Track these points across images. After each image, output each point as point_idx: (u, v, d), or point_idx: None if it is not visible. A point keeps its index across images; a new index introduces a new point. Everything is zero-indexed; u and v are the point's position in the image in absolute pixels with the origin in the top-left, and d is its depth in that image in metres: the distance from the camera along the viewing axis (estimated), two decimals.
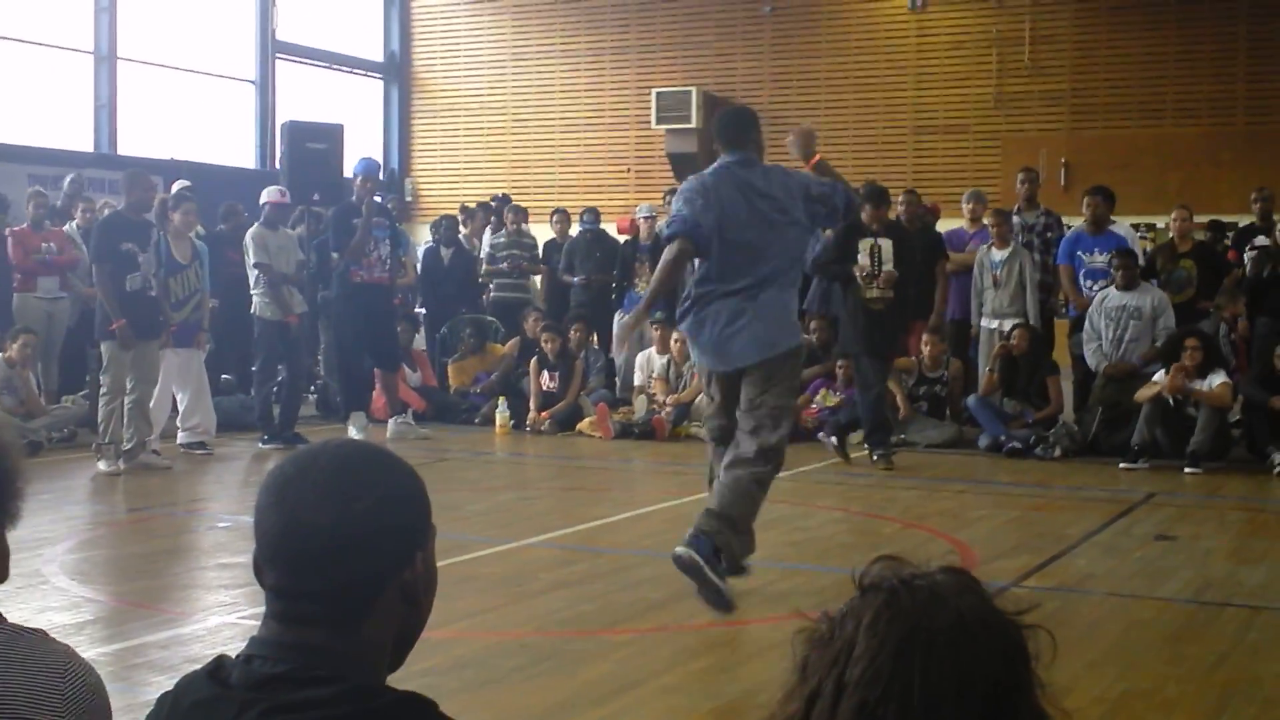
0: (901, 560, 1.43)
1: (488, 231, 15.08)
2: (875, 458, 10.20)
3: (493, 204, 15.58)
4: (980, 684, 1.33)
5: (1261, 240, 12.00)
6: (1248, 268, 11.82)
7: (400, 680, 1.62)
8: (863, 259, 10.23)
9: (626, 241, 13.75)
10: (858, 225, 9.99)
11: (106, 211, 11.42)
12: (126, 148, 15.81)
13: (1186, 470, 9.95)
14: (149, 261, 9.80)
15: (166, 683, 1.64)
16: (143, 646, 5.26)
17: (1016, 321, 11.34)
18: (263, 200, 11.49)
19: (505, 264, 14.41)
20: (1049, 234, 11.91)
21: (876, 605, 1.37)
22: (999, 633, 1.37)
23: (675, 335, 12.23)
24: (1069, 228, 11.94)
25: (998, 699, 1.33)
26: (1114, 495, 9.09)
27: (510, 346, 13.53)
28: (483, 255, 14.74)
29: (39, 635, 1.91)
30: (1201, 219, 13.35)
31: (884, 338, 10.29)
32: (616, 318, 13.17)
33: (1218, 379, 10.14)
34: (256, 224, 11.42)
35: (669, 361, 12.32)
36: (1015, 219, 12.07)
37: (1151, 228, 14.75)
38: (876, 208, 10.34)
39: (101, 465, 9.63)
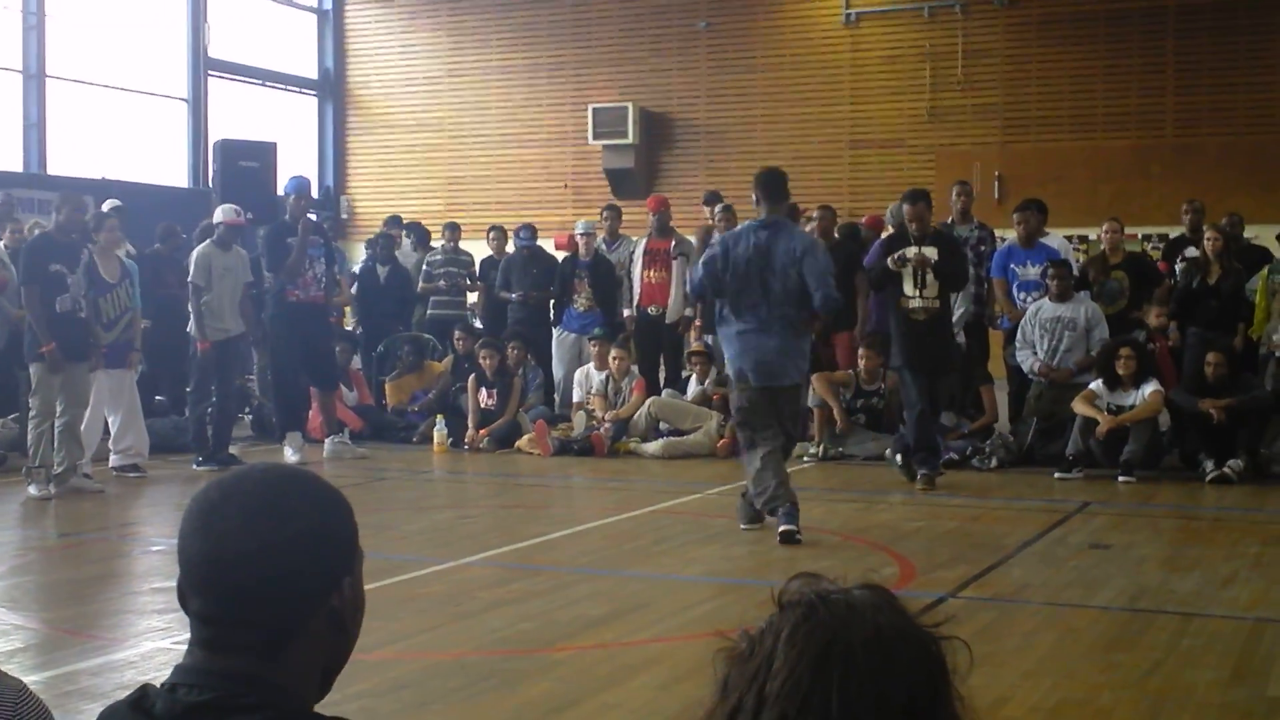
0: (819, 576, 1.44)
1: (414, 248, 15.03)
2: (918, 477, 9.80)
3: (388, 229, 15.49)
4: (898, 696, 1.34)
5: (1191, 252, 12.18)
6: (1178, 278, 11.98)
7: (337, 703, 1.61)
8: (908, 253, 9.62)
9: (565, 258, 13.74)
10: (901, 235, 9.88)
11: (36, 232, 11.26)
12: (57, 167, 15.63)
13: (1120, 479, 10.07)
14: (78, 283, 9.68)
15: (99, 710, 1.62)
16: (74, 674, 5.17)
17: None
18: (217, 219, 11.34)
19: (442, 281, 14.36)
20: (983, 247, 12.03)
21: (794, 620, 1.38)
22: (916, 645, 1.39)
23: (614, 353, 12.24)
24: (1002, 240, 12.07)
25: (916, 711, 1.35)
26: (1050, 505, 9.18)
27: (447, 364, 13.48)
28: (420, 272, 14.68)
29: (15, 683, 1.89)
30: (1133, 230, 13.54)
31: (927, 352, 9.64)
32: (554, 334, 13.18)
33: (1150, 388, 10.28)
34: (208, 242, 11.25)
35: (608, 378, 12.32)
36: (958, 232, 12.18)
37: (1084, 239, 14.94)
38: (916, 209, 9.69)
39: (32, 490, 9.48)
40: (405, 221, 15.93)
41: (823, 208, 12.63)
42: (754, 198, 8.00)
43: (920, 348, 9.61)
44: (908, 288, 9.60)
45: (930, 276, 9.53)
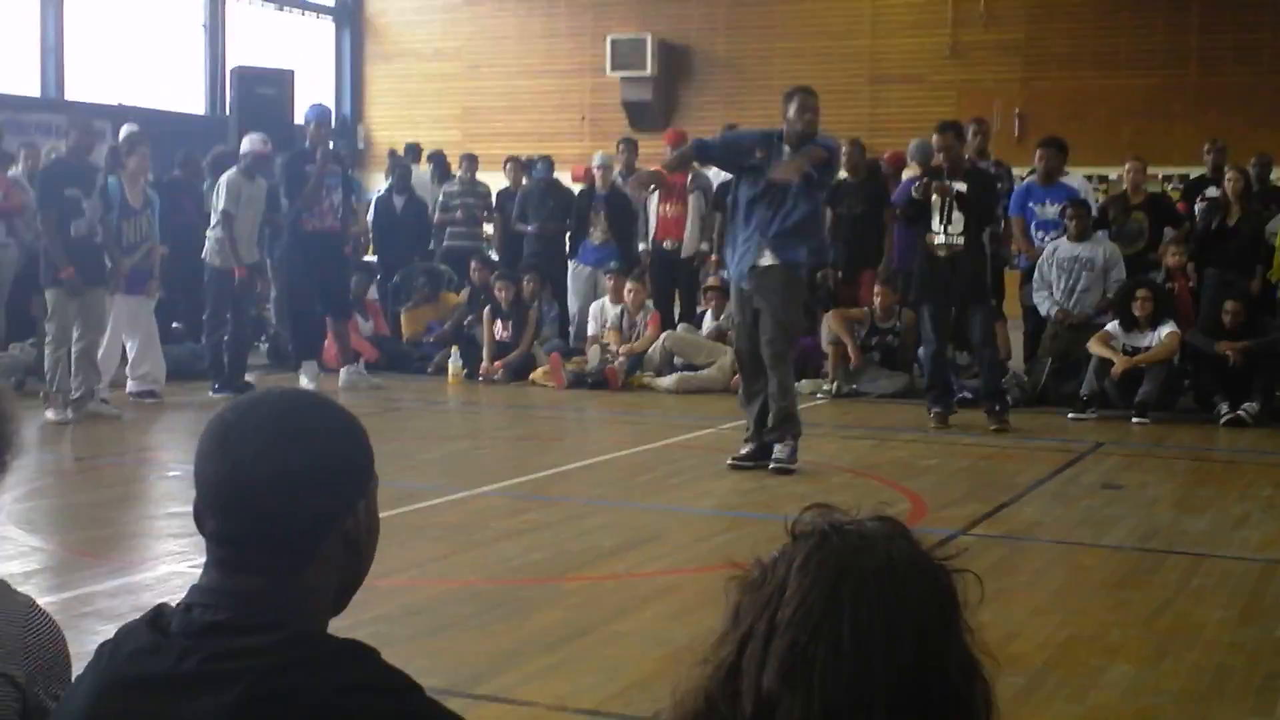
0: (832, 508, 1.45)
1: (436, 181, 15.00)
2: (930, 414, 9.81)
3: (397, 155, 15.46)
4: (909, 625, 1.35)
5: (1212, 192, 12.09)
6: (1197, 219, 11.90)
7: (350, 628, 1.62)
8: (930, 182, 9.52)
9: (581, 191, 13.69)
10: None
11: (51, 156, 11.27)
12: (74, 93, 15.58)
13: (1134, 420, 10.06)
14: (94, 207, 9.67)
15: (114, 631, 1.64)
16: (91, 595, 5.24)
17: None
18: (245, 149, 11.31)
19: (459, 212, 14.32)
20: (999, 185, 11.94)
21: (807, 549, 1.40)
22: (927, 576, 1.40)
23: (629, 286, 12.22)
24: (1020, 179, 11.99)
25: (926, 640, 1.36)
26: (1063, 445, 9.18)
27: (463, 295, 13.48)
28: (436, 203, 14.66)
29: (2, 587, 1.91)
30: (1154, 170, 13.43)
31: (947, 288, 9.49)
32: (570, 267, 13.16)
33: (1166, 329, 10.25)
34: (234, 170, 11.22)
35: (623, 311, 12.30)
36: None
37: (1105, 179, 14.83)
38: (944, 139, 9.53)
39: (49, 414, 9.54)
40: (426, 152, 15.88)
41: (852, 142, 12.54)
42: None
43: (939, 284, 9.54)
44: (934, 223, 9.49)
45: (956, 212, 9.37)
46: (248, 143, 11.32)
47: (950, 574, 1.41)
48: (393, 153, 15.85)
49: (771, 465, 7.84)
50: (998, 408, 9.65)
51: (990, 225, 10.06)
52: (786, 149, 7.78)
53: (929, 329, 9.73)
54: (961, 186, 9.40)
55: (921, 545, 1.42)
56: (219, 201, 11.02)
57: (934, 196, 9.40)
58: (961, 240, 9.43)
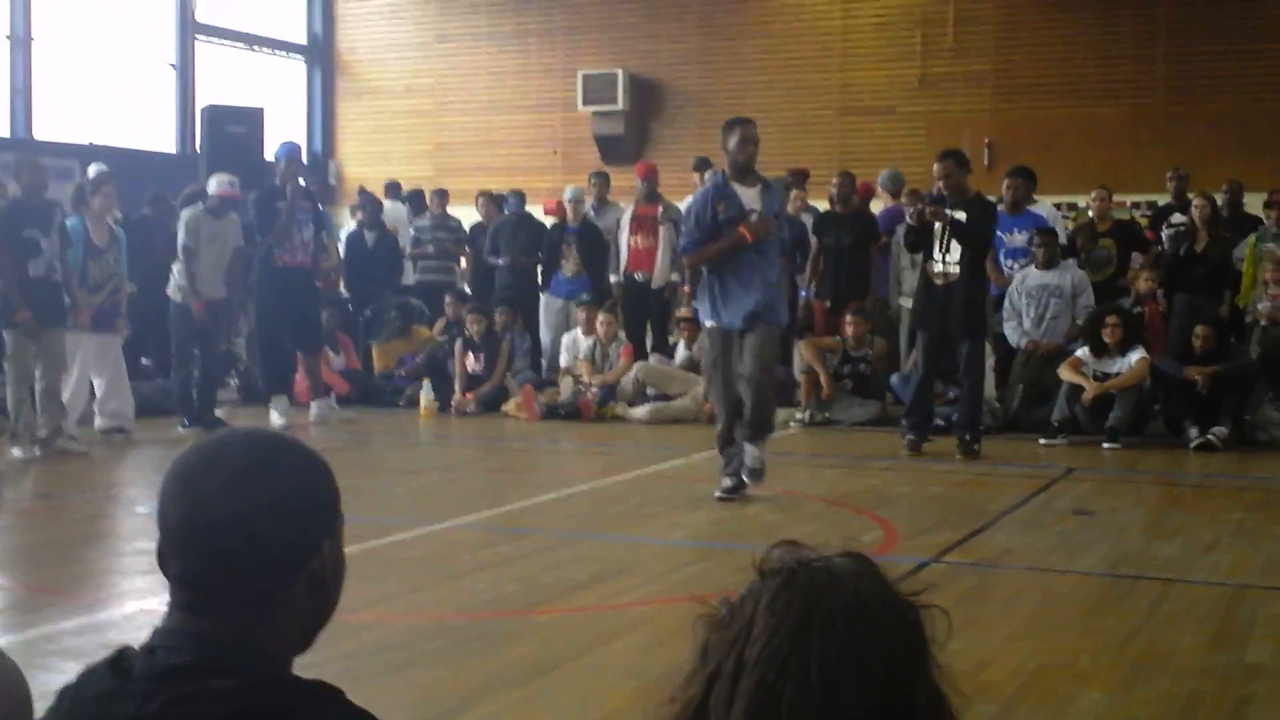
0: (800, 544, 1.44)
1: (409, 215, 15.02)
2: (904, 440, 9.80)
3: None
4: (877, 662, 1.35)
5: (1178, 219, 12.18)
6: (1165, 246, 11.99)
7: (320, 663, 1.61)
8: (926, 209, 9.47)
9: (553, 224, 13.71)
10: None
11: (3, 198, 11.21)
12: (43, 132, 15.53)
13: (1105, 445, 10.10)
14: (51, 246, 9.63)
15: (77, 673, 1.62)
16: (57, 634, 5.19)
17: None
18: (211, 189, 11.31)
19: (430, 246, 14.32)
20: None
21: (775, 586, 1.39)
22: (895, 613, 1.39)
23: (601, 318, 12.23)
24: None
25: (894, 677, 1.35)
26: (1034, 471, 9.20)
27: (436, 329, 13.47)
28: (409, 238, 14.66)
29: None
30: (1123, 198, 13.53)
31: (939, 317, 9.47)
32: (542, 300, 13.16)
33: (1136, 355, 10.31)
34: (199, 206, 11.21)
35: (595, 343, 12.31)
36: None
37: (1074, 207, 14.92)
38: (943, 166, 9.48)
39: (16, 451, 9.47)
40: (402, 190, 15.90)
41: (841, 174, 12.61)
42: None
43: (932, 312, 9.53)
44: (934, 251, 9.47)
45: (954, 241, 9.32)
46: (214, 184, 11.31)
47: (918, 610, 1.41)
48: (361, 190, 15.86)
49: (748, 468, 7.88)
50: (968, 437, 9.66)
51: (982, 251, 9.85)
52: (735, 187, 7.78)
53: (920, 355, 9.75)
54: (961, 215, 9.35)
55: (889, 581, 1.42)
56: (179, 237, 11.01)
57: (934, 224, 9.36)
58: (958, 269, 9.37)
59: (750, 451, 7.85)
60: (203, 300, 11.02)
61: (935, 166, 9.59)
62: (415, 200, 15.49)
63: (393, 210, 15.27)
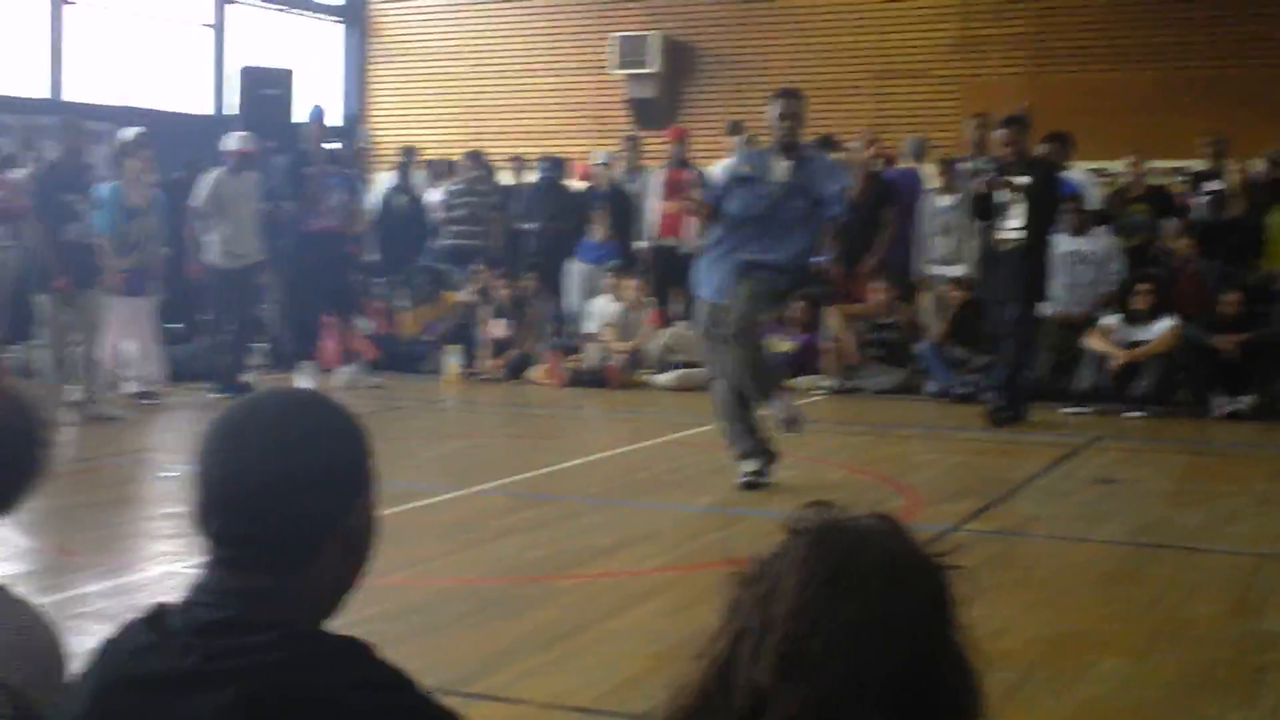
0: (830, 505, 1.47)
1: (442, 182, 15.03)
2: (990, 408, 9.70)
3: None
4: (903, 621, 1.37)
5: (1214, 185, 12.09)
6: (1201, 211, 11.90)
7: (347, 626, 1.65)
8: (998, 196, 9.46)
9: (583, 189, 13.70)
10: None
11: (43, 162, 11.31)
12: (78, 94, 15.60)
13: (1131, 414, 10.07)
14: (87, 210, 9.69)
15: (111, 631, 1.67)
16: (87, 596, 5.27)
17: (963, 268, 11.46)
18: (231, 147, 11.31)
19: (462, 210, 14.33)
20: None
21: (804, 545, 1.41)
22: (922, 574, 1.42)
23: (629, 284, 12.24)
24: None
25: (920, 636, 1.38)
26: (1059, 439, 9.18)
27: (464, 294, 13.51)
28: (438, 201, 14.67)
29: (1, 591, 1.94)
30: (1163, 164, 13.42)
31: (1002, 282, 9.45)
32: (570, 265, 13.17)
33: (1166, 323, 10.26)
34: (221, 169, 11.24)
35: (623, 309, 12.32)
36: (968, 164, 12.13)
37: (1106, 172, 14.80)
38: (1009, 132, 9.44)
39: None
40: (425, 157, 15.92)
41: (863, 133, 12.59)
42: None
43: (995, 277, 9.51)
44: (999, 218, 9.42)
45: (1018, 206, 9.27)
46: (233, 142, 11.32)
47: (944, 571, 1.43)
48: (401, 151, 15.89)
49: (778, 419, 7.39)
50: (998, 402, 9.61)
51: (1049, 217, 9.79)
52: (770, 158, 7.35)
53: (992, 325, 9.69)
54: (1025, 180, 9.29)
55: (917, 543, 1.44)
56: (192, 199, 11.02)
57: (1003, 186, 9.29)
58: (1022, 234, 9.32)
59: (775, 411, 7.41)
60: (236, 264, 11.03)
61: (998, 132, 9.55)
62: (435, 168, 15.48)
63: (418, 175, 15.29)
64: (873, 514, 1.46)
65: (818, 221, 7.33)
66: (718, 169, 7.79)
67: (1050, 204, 9.66)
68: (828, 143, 13.24)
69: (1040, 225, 9.45)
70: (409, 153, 15.81)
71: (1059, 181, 10.07)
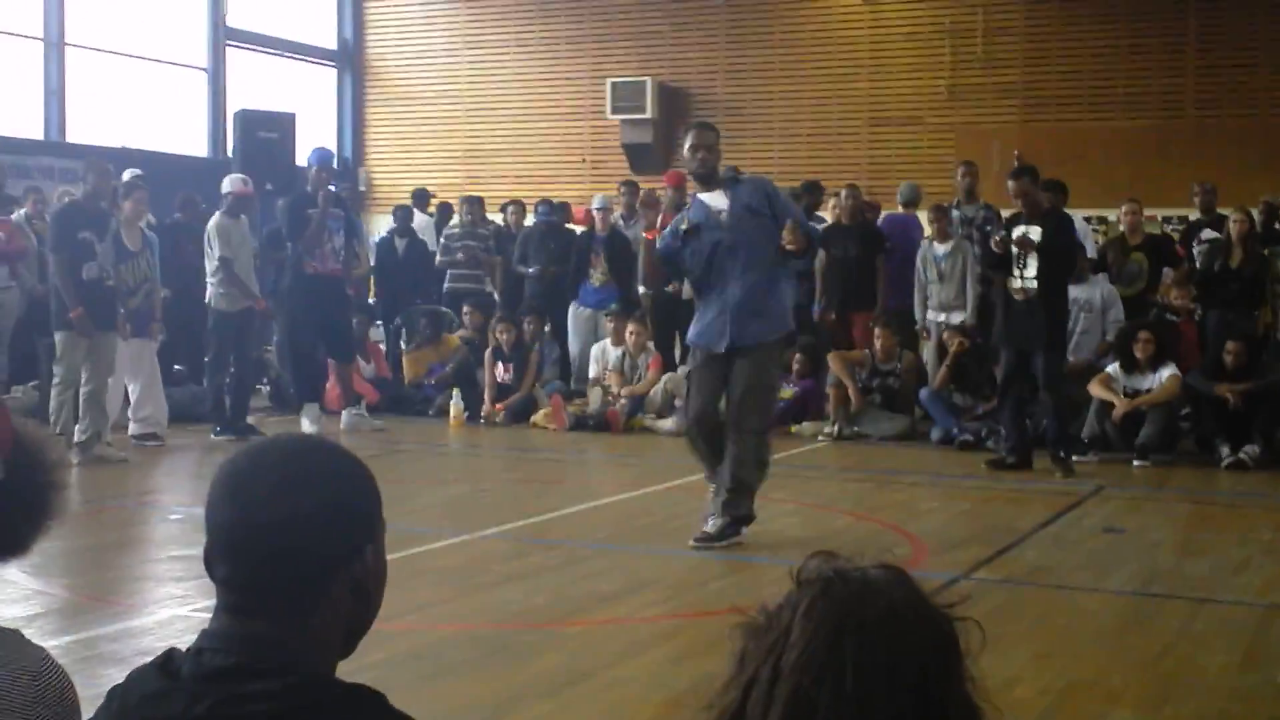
0: (836, 555, 1.47)
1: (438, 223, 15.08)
2: (996, 452, 9.78)
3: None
4: (911, 672, 1.37)
5: (1209, 234, 12.13)
6: (1198, 261, 11.94)
7: (352, 672, 1.64)
8: (1005, 235, 9.45)
9: (582, 233, 13.74)
10: None
11: (65, 200, 11.33)
12: (76, 135, 15.65)
13: (1135, 463, 10.07)
14: (106, 252, 9.71)
15: (118, 675, 1.66)
16: (94, 639, 5.24)
17: (962, 315, 11.51)
18: (225, 189, 11.37)
19: (460, 254, 14.36)
20: (988, 227, 12.04)
21: (811, 595, 1.42)
22: (930, 623, 1.42)
23: (630, 328, 12.24)
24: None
25: (928, 686, 1.37)
26: (1064, 488, 9.17)
27: (461, 337, 13.51)
28: (438, 245, 14.70)
29: (15, 636, 1.92)
30: (1152, 212, 13.49)
31: (1020, 331, 9.45)
32: (571, 309, 13.19)
33: (1167, 371, 10.27)
34: (219, 214, 11.27)
35: (624, 354, 12.32)
36: (955, 213, 12.22)
37: (1103, 220, 14.88)
38: (1019, 185, 9.46)
39: None
40: (428, 200, 15.97)
41: (850, 186, 12.67)
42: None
43: (1012, 326, 9.50)
44: (1012, 268, 9.43)
45: (1031, 256, 9.30)
46: (228, 184, 11.36)
47: (952, 621, 1.43)
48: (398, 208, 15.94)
49: (696, 540, 7.00)
50: (1062, 453, 9.59)
51: (1068, 269, 9.85)
52: (701, 197, 7.19)
53: (1006, 373, 9.68)
54: (1036, 231, 9.34)
55: (924, 592, 1.44)
56: (214, 248, 11.04)
57: (1014, 240, 9.34)
58: (1036, 284, 9.36)
59: (713, 521, 7.03)
60: (239, 306, 11.06)
61: (1010, 184, 9.58)
62: (444, 210, 15.55)
63: (420, 220, 15.32)
64: (880, 563, 1.46)
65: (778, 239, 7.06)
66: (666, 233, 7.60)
67: (1066, 253, 9.70)
68: (812, 188, 13.30)
69: (1057, 275, 9.49)
70: (422, 195, 15.83)
71: (1073, 231, 10.11)
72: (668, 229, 7.44)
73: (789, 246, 6.91)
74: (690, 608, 5.94)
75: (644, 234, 7.90)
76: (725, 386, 7.11)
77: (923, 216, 12.89)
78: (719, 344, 7.03)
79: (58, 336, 9.68)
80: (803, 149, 16.78)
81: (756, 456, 7.05)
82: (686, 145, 7.23)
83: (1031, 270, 9.36)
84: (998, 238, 9.52)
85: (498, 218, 14.75)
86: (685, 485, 9.21)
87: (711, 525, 7.02)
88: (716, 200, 7.11)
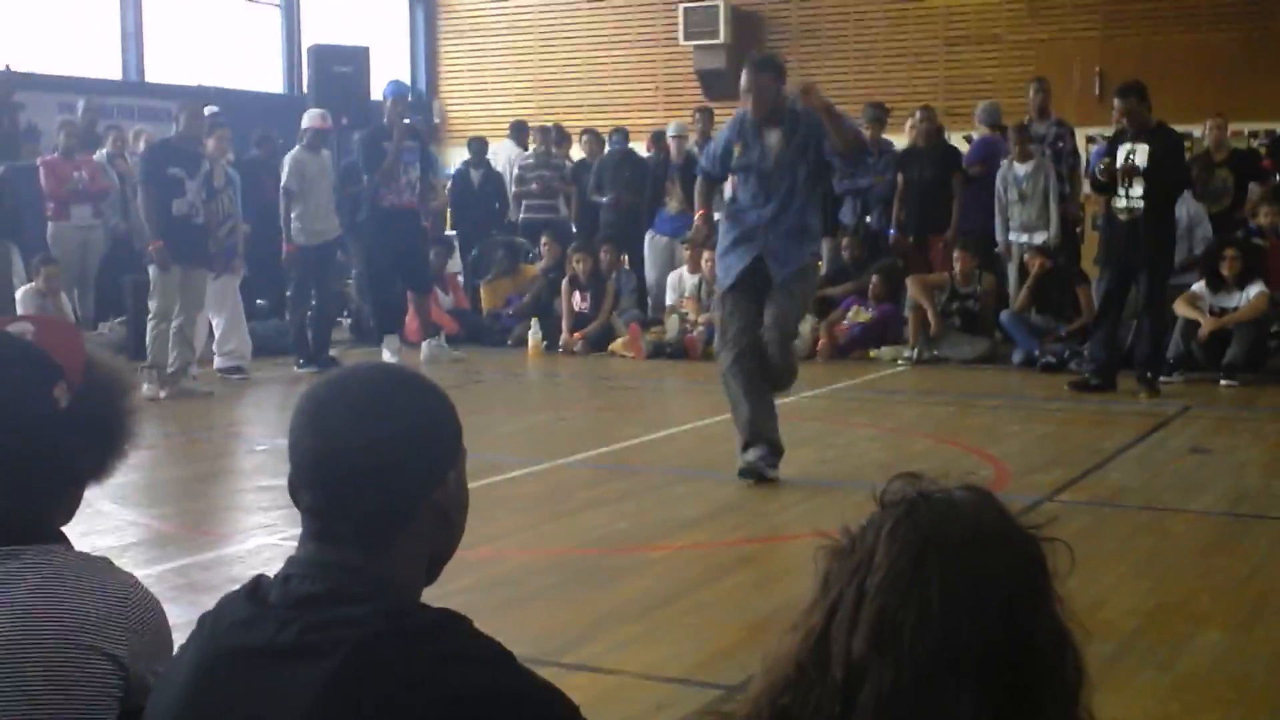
0: (920, 476, 1.46)
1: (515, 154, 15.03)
2: (1079, 374, 9.59)
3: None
4: (998, 593, 1.36)
5: None
6: None
7: (437, 598, 1.65)
8: (1111, 162, 9.28)
9: (656, 161, 13.67)
10: None
11: (142, 139, 11.44)
12: (154, 75, 15.77)
13: (1222, 382, 9.91)
14: (196, 190, 9.80)
15: (209, 602, 1.68)
16: (185, 568, 5.35)
17: (1044, 235, 11.34)
18: (305, 124, 11.45)
19: (534, 184, 14.35)
20: (1060, 144, 11.88)
21: (895, 517, 1.41)
22: (1016, 544, 1.41)
23: (706, 255, 12.19)
24: (1099, 138, 11.86)
25: (1014, 608, 1.36)
26: (1149, 409, 9.05)
27: (538, 268, 13.54)
28: (513, 175, 14.68)
29: (105, 564, 1.97)
30: (1241, 126, 13.17)
31: (1125, 251, 9.24)
32: (647, 238, 13.16)
33: (1255, 289, 10.08)
34: (298, 147, 11.38)
35: (700, 280, 12.29)
36: (1039, 129, 12.01)
37: (1189, 137, 14.55)
38: (1126, 104, 9.23)
39: (145, 389, 9.68)
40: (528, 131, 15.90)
41: (924, 108, 12.49)
42: None
43: (1117, 248, 9.33)
44: (1117, 188, 9.26)
45: (1136, 178, 9.12)
46: (307, 119, 11.47)
47: (1039, 542, 1.42)
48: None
49: (742, 464, 6.81)
50: (1150, 374, 9.46)
51: (1176, 192, 9.61)
52: (760, 129, 6.78)
53: (1103, 294, 9.52)
54: (1144, 148, 9.12)
55: (1010, 514, 1.43)
56: (283, 178, 11.16)
57: (1117, 166, 9.17)
58: (1142, 204, 9.17)
59: (749, 453, 6.82)
60: (316, 240, 11.16)
61: (1116, 103, 9.32)
62: (518, 131, 15.48)
63: (513, 151, 15.27)
64: (963, 485, 1.44)
65: (827, 178, 6.95)
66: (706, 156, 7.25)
67: (1175, 172, 9.46)
68: (880, 110, 13.09)
69: (1165, 195, 9.25)
70: (520, 127, 15.72)
71: (1182, 148, 9.85)
72: (709, 151, 7.19)
73: (839, 150, 6.67)
74: (771, 532, 5.94)
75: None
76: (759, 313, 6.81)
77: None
78: (733, 279, 6.78)
79: (151, 271, 9.81)
80: (878, 70, 16.52)
81: (785, 363, 6.86)
82: (741, 85, 6.85)
83: (1138, 190, 9.14)
84: (1103, 164, 9.27)
85: (573, 147, 14.70)
86: None
87: (753, 454, 6.81)
88: (773, 140, 6.77)
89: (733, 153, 6.83)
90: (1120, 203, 9.25)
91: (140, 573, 5.12)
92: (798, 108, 6.81)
